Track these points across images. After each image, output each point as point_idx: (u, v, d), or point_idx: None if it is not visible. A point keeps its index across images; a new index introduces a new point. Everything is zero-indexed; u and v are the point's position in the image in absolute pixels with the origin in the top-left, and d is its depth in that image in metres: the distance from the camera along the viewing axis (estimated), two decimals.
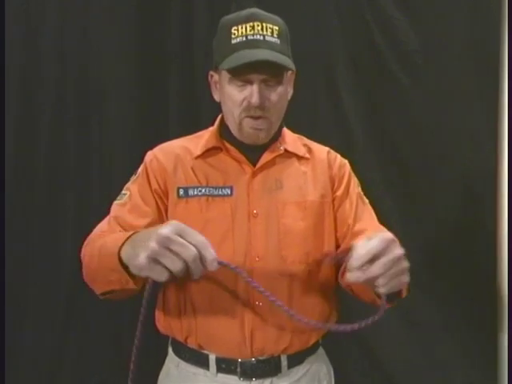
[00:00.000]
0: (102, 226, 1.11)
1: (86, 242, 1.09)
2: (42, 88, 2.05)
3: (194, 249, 0.80)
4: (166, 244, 0.80)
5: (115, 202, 1.14)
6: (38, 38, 2.03)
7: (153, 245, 0.80)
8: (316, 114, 2.07)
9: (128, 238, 0.90)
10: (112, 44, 2.05)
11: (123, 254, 0.89)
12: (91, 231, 1.12)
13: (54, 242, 2.13)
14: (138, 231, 0.92)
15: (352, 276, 0.86)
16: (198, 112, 2.02)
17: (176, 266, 0.80)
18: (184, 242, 0.80)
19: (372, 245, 0.85)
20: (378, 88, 2.14)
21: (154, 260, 0.80)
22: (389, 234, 0.88)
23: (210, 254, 0.81)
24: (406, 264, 0.87)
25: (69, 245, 2.11)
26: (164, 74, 2.10)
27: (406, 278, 0.88)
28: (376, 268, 0.84)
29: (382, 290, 0.87)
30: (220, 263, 0.85)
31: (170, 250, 0.79)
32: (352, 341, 2.15)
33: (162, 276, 0.82)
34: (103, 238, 1.02)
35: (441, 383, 2.17)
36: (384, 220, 1.20)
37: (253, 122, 1.07)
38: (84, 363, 2.17)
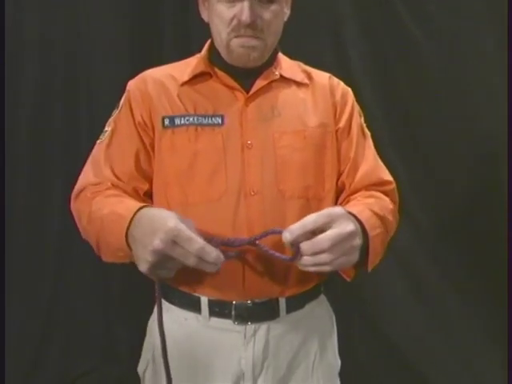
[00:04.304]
0: (93, 174, 1.01)
1: (76, 194, 1.02)
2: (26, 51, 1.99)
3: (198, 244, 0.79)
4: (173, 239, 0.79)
5: (98, 142, 1.05)
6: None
7: (157, 242, 0.78)
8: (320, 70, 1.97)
9: (132, 221, 0.85)
10: None
11: (130, 240, 0.85)
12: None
13: (40, 218, 2.07)
14: (141, 209, 0.87)
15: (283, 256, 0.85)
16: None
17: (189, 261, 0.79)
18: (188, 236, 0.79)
19: (309, 219, 0.81)
20: (388, 42, 2.03)
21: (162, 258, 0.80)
22: (336, 209, 0.85)
23: (211, 258, 0.80)
24: (356, 242, 0.84)
25: (55, 220, 2.06)
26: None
27: (354, 258, 0.84)
28: (317, 244, 0.80)
29: (325, 268, 0.82)
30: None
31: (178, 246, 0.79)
32: (359, 314, 2.10)
33: (169, 274, 0.84)
34: (101, 202, 0.94)
35: (454, 359, 2.08)
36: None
37: (243, 40, 0.97)
38: (73, 350, 2.11)
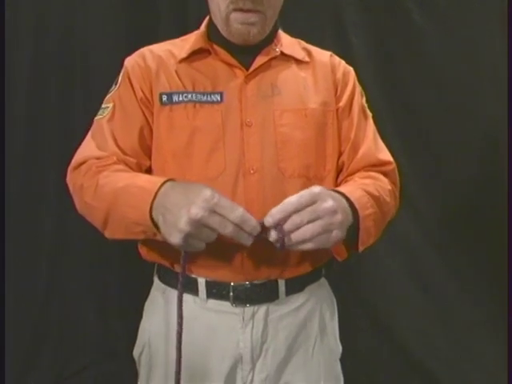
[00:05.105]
0: (96, 146, 0.96)
1: (75, 166, 0.97)
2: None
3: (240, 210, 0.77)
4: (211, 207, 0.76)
5: (98, 118, 1.01)
6: None
7: (197, 210, 0.76)
8: None
9: (157, 194, 0.82)
10: None
11: (156, 213, 0.81)
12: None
13: (34, 203, 2.03)
14: (166, 182, 0.84)
15: (271, 236, 0.81)
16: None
17: (226, 228, 0.77)
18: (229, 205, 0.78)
19: (289, 200, 0.80)
20: (391, 30, 1.99)
21: (197, 227, 0.77)
22: (316, 188, 0.83)
23: (249, 226, 0.78)
24: (337, 218, 0.81)
25: (53, 206, 2.00)
26: None
27: (337, 234, 0.82)
28: (291, 221, 0.79)
29: (304, 247, 0.81)
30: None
31: (217, 213, 0.77)
32: (359, 303, 2.07)
33: (200, 245, 0.80)
34: (111, 176, 0.90)
35: (453, 346, 2.05)
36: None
37: (242, 16, 0.95)
38: (68, 346, 2.08)
